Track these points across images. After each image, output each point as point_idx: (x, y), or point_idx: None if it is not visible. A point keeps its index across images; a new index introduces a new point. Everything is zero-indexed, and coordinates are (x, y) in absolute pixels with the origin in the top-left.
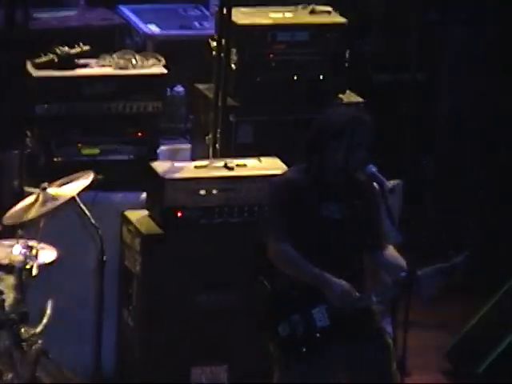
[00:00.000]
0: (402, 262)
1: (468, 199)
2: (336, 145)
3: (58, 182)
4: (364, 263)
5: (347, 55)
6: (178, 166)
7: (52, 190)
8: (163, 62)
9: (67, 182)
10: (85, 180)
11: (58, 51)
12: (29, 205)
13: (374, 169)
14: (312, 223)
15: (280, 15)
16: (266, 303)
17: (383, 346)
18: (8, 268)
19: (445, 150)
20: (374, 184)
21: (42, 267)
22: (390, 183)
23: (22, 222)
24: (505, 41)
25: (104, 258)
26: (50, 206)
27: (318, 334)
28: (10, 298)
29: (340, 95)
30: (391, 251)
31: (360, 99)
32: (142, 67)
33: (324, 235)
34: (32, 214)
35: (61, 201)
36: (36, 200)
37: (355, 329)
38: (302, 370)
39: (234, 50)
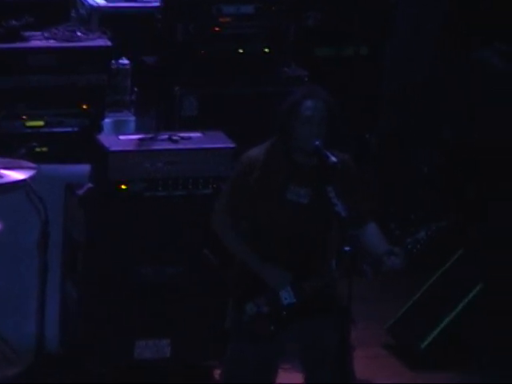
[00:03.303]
0: (380, 241)
1: (410, 174)
2: (291, 121)
3: (1, 160)
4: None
5: (292, 29)
6: (123, 138)
7: None
8: (108, 34)
9: (10, 163)
10: (31, 171)
11: (3, 23)
12: None
13: (317, 142)
14: (276, 205)
15: None
16: (233, 282)
17: (343, 323)
18: None
19: (388, 125)
20: (349, 164)
21: None
22: (335, 157)
23: None
24: (453, 15)
25: (48, 230)
26: None
27: (284, 312)
28: None
29: (285, 68)
30: (371, 229)
31: (304, 72)
32: (87, 40)
33: (287, 219)
34: None
35: (6, 180)
36: None
37: (319, 305)
38: (268, 347)
39: (179, 23)
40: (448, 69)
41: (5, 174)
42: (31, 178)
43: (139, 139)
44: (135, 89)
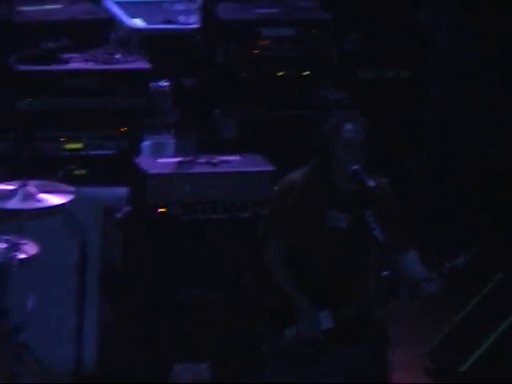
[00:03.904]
0: (419, 268)
1: (452, 197)
2: (332, 144)
3: (39, 183)
4: (369, 265)
5: (333, 51)
6: (162, 161)
7: (34, 190)
8: (148, 56)
9: (48, 186)
10: (69, 195)
11: (41, 45)
12: (6, 194)
13: (356, 166)
14: (315, 230)
15: (265, 10)
16: (271, 306)
17: (382, 347)
18: None
19: (429, 148)
20: (387, 189)
21: (23, 262)
22: (373, 182)
23: None
24: (491, 39)
25: (86, 253)
26: (32, 206)
27: (322, 337)
28: None
29: (324, 91)
30: (411, 255)
31: (344, 96)
32: (126, 62)
33: (325, 243)
34: (10, 206)
35: (44, 205)
36: (14, 192)
37: (357, 330)
38: (306, 371)
39: (218, 45)
40: (486, 89)
41: (43, 199)
42: (69, 202)
43: (178, 162)
44: (175, 111)
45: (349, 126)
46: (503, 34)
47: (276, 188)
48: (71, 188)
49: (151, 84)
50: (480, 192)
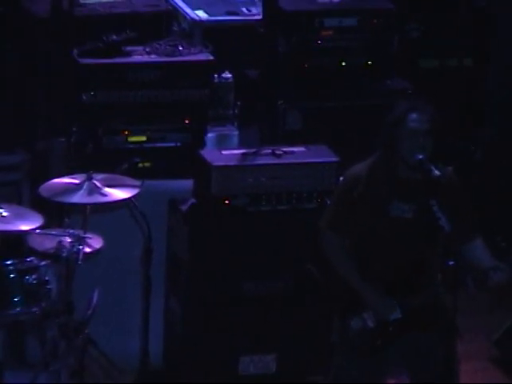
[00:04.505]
0: (485, 256)
1: None
2: (397, 133)
3: (105, 177)
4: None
5: (395, 41)
6: (226, 153)
7: (99, 183)
8: (210, 48)
9: (114, 179)
10: (134, 189)
11: (104, 38)
12: (72, 188)
13: (421, 156)
14: (380, 221)
15: (327, 1)
16: (337, 297)
17: (449, 336)
18: (55, 257)
19: (493, 136)
20: (452, 178)
21: (88, 256)
22: (438, 171)
23: (65, 204)
24: None
25: (151, 246)
26: (98, 200)
27: (390, 328)
28: (56, 287)
29: (388, 81)
30: (477, 244)
31: (408, 85)
32: (189, 54)
33: (391, 234)
34: (76, 199)
35: (109, 199)
36: (80, 185)
37: (424, 319)
38: (374, 362)
39: (280, 36)
40: None
41: (108, 193)
42: (134, 196)
43: (242, 154)
44: (238, 102)
45: (414, 115)
46: None
47: (341, 180)
48: (136, 182)
49: (214, 76)
50: None
